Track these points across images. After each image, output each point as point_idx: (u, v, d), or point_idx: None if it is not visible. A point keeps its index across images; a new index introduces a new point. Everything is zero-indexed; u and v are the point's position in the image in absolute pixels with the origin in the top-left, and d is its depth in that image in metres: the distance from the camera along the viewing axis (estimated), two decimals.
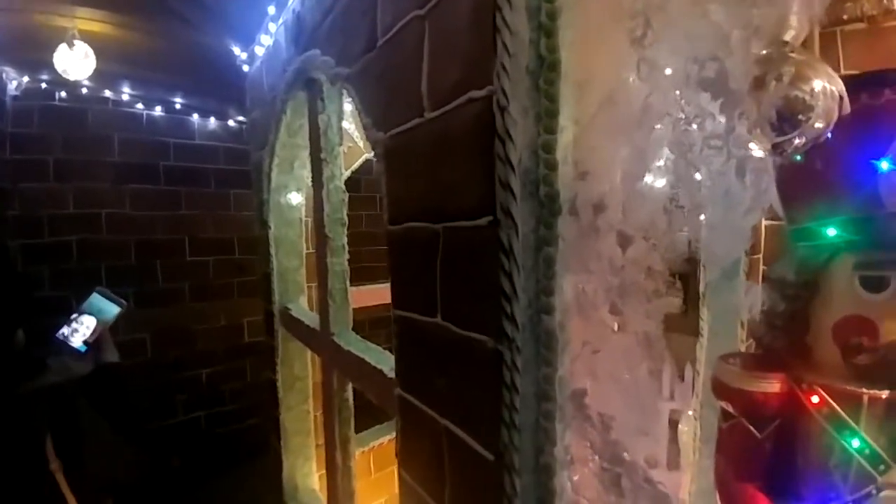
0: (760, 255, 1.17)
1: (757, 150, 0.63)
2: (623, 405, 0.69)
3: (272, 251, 2.07)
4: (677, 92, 0.61)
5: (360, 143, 2.69)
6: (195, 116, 3.85)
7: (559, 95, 0.68)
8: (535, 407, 0.74)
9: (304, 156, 1.96)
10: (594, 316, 0.70)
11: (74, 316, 1.95)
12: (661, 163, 0.66)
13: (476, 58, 0.73)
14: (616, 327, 0.68)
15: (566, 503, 0.70)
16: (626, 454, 0.71)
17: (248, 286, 3.85)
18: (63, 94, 3.33)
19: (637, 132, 0.64)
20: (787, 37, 0.79)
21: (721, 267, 0.77)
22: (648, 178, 0.64)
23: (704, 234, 0.62)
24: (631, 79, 0.62)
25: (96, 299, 2.05)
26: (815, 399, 0.86)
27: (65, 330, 1.94)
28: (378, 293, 3.28)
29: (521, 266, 0.70)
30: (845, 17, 1.37)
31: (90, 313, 1.99)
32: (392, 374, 1.15)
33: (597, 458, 0.71)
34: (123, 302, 2.09)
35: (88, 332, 1.97)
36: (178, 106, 3.80)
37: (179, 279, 3.78)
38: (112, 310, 2.05)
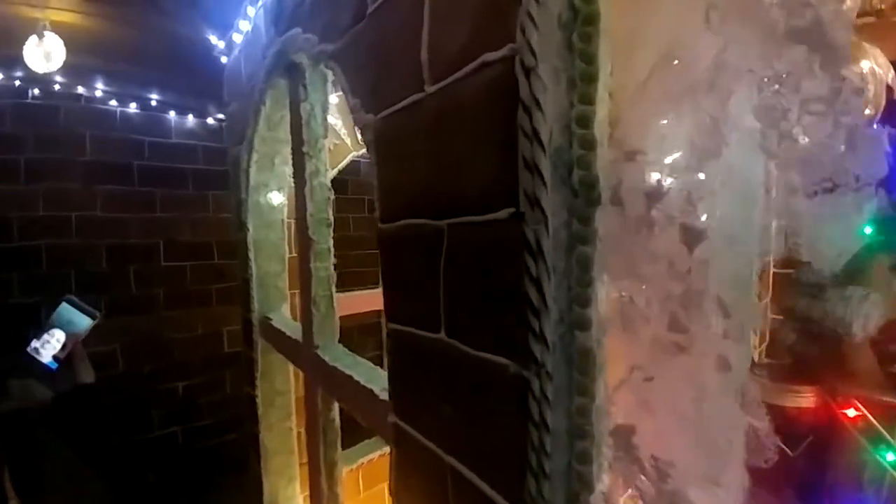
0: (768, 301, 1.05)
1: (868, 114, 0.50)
2: (686, 447, 0.54)
3: (251, 255, 1.90)
4: (761, 46, 0.47)
5: (347, 141, 2.54)
6: (172, 114, 3.65)
7: (599, 55, 0.54)
8: (567, 447, 0.59)
9: (286, 152, 1.80)
10: (647, 333, 0.55)
11: (45, 328, 1.75)
12: (742, 135, 0.52)
13: (493, 11, 0.58)
14: (679, 347, 0.54)
15: None
16: None
17: (227, 293, 3.65)
18: (36, 91, 3.16)
19: (707, 97, 0.50)
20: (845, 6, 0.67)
21: (829, 267, 0.63)
22: (726, 156, 0.50)
23: (806, 225, 0.49)
24: (697, 31, 0.48)
25: (65, 310, 1.84)
26: (851, 412, 0.78)
27: (35, 343, 1.73)
28: (366, 299, 3.13)
29: (552, 269, 0.56)
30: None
31: (59, 326, 1.79)
32: (384, 396, 0.99)
33: None
34: (96, 312, 1.89)
35: (58, 347, 1.77)
36: (153, 102, 3.60)
37: (154, 286, 3.55)
38: (83, 322, 1.85)
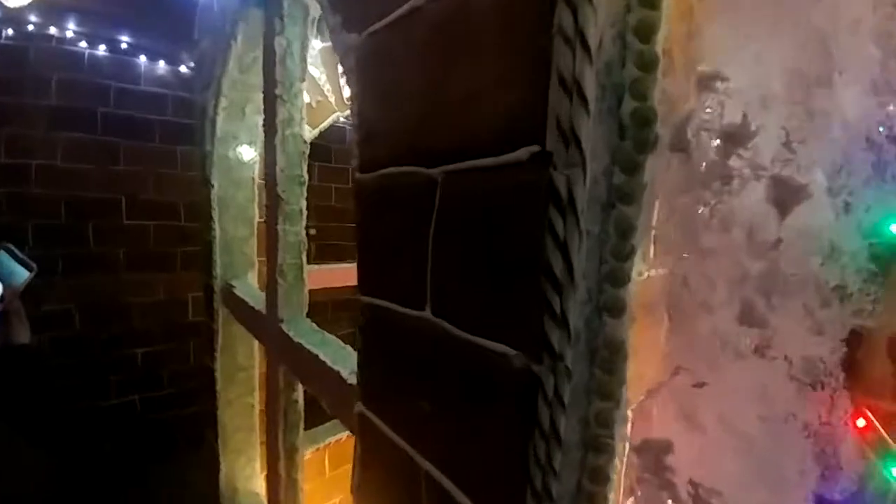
0: None
1: None
2: (740, 474, 0.41)
3: (215, 216, 1.70)
4: None
5: (331, 98, 2.33)
6: (142, 58, 3.34)
7: None
8: (578, 463, 0.46)
9: (259, 99, 1.60)
10: (704, 326, 0.42)
11: None
12: (857, 65, 0.37)
13: None
14: (749, 346, 0.40)
15: None
16: None
17: (193, 257, 3.41)
18: (9, 31, 2.93)
19: (815, 8, 0.35)
20: None
21: None
22: (837, 87, 0.36)
23: None
24: None
25: (4, 258, 1.65)
26: (861, 422, 0.70)
27: None
28: (342, 274, 2.97)
29: (585, 233, 0.41)
30: None
31: None
32: (353, 380, 0.85)
33: None
34: (33, 265, 1.71)
35: None
36: (123, 45, 3.29)
37: (114, 245, 3.29)
38: (21, 273, 1.67)
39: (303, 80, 1.20)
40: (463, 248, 0.51)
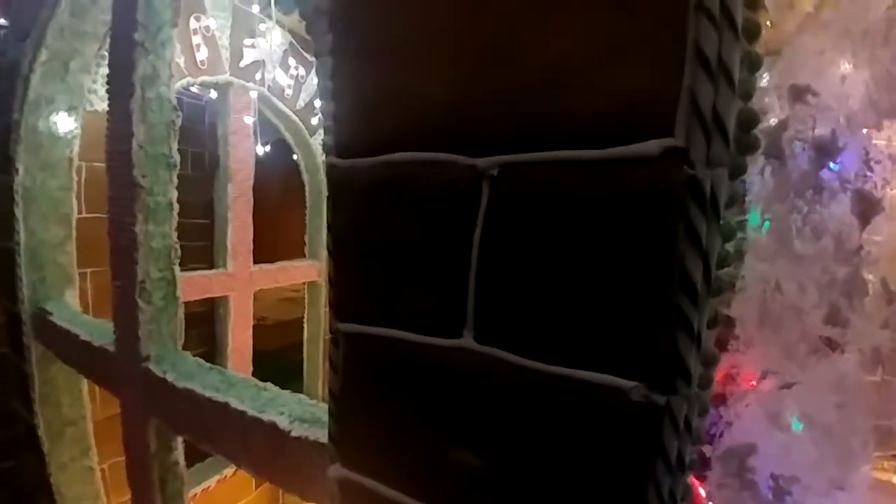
0: None
1: None
2: (816, 458, 0.42)
3: (18, 213, 1.20)
4: None
5: (179, 60, 1.89)
6: None
7: None
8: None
9: (91, 53, 1.16)
10: (794, 329, 0.40)
11: None
12: None
13: None
14: (832, 345, 0.40)
15: None
16: None
17: None
18: None
19: (883, 49, 0.36)
20: None
21: None
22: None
23: None
24: None
25: None
26: None
27: None
28: (200, 282, 2.48)
29: (712, 244, 0.36)
30: None
31: None
32: (304, 432, 0.66)
33: None
34: None
35: None
36: None
37: None
38: None
39: (175, 25, 0.89)
40: (538, 261, 0.41)
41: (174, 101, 0.98)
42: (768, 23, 0.36)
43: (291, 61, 2.70)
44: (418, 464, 0.50)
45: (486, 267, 0.44)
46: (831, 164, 0.38)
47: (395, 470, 0.53)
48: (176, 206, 1.05)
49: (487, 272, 0.44)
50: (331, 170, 0.53)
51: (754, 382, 0.43)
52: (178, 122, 1.00)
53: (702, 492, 0.46)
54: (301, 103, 2.81)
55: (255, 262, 2.72)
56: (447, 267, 0.46)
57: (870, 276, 0.42)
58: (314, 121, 2.86)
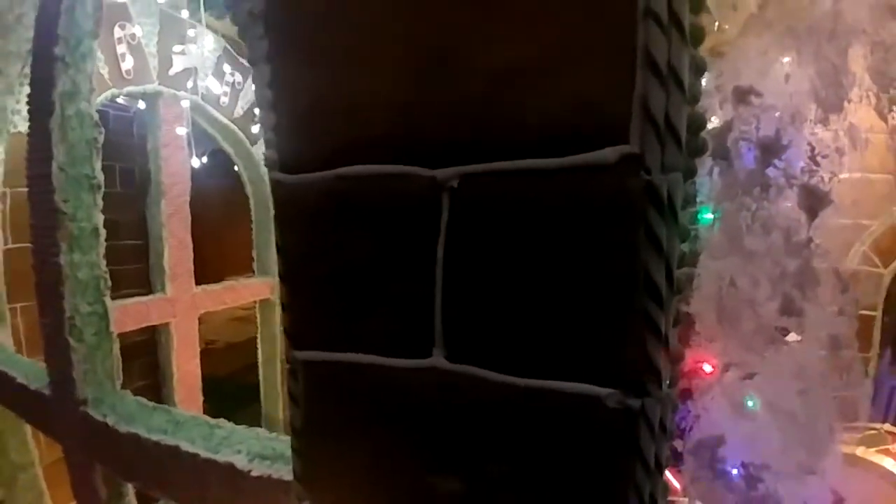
0: None
1: None
2: (784, 444, 0.44)
3: None
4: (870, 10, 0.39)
5: (103, 71, 1.74)
6: None
7: None
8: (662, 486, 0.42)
9: (14, 73, 1.04)
10: (750, 321, 0.42)
11: None
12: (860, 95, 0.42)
13: None
14: (789, 334, 0.42)
15: None
16: None
17: None
18: None
19: (829, 44, 0.38)
20: None
21: None
22: (847, 112, 0.40)
23: None
24: None
25: None
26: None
27: None
28: (137, 310, 2.30)
29: (673, 247, 0.36)
30: None
31: None
32: (263, 470, 0.62)
33: None
34: None
35: None
36: None
37: None
38: None
39: (96, 36, 0.81)
40: (504, 274, 0.40)
41: (96, 117, 0.90)
42: (715, 25, 0.37)
43: (226, 67, 2.57)
44: (395, 494, 0.48)
45: (452, 282, 0.42)
46: (776, 162, 0.40)
47: (364, 501, 0.50)
48: (103, 232, 0.96)
49: (453, 287, 0.42)
50: (276, 186, 0.49)
51: (717, 374, 0.45)
52: (101, 138, 0.92)
53: (676, 484, 0.47)
54: (239, 111, 2.68)
55: (198, 283, 2.56)
56: (410, 284, 0.44)
57: (823, 266, 0.45)
58: (255, 129, 2.73)
